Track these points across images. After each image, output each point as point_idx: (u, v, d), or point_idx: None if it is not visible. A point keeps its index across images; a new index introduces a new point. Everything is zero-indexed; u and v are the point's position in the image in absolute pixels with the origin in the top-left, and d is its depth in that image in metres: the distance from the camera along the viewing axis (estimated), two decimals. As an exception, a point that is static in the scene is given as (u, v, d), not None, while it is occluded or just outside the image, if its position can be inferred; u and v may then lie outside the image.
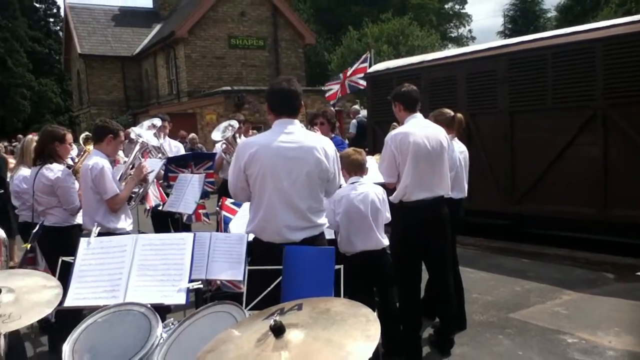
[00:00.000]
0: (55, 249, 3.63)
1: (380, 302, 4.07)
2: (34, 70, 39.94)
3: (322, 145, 3.13)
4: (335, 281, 2.86)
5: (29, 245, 3.78)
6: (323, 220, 3.21)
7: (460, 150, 4.78)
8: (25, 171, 5.04)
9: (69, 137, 4.61)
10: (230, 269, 3.62)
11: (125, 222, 4.33)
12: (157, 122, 6.57)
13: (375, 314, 3.84)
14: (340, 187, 3.61)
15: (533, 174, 7.41)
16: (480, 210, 7.69)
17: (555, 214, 7.15)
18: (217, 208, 4.76)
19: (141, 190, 4.65)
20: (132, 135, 6.03)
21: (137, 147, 5.15)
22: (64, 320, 3.08)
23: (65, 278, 2.73)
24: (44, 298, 2.35)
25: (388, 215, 3.98)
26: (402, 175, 4.07)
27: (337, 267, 2.86)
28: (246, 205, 4.63)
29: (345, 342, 1.63)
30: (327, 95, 14.99)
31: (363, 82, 12.58)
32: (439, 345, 4.28)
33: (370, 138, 10.17)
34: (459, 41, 45.69)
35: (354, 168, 3.95)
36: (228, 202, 4.68)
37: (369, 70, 11.06)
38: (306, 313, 1.83)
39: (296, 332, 1.70)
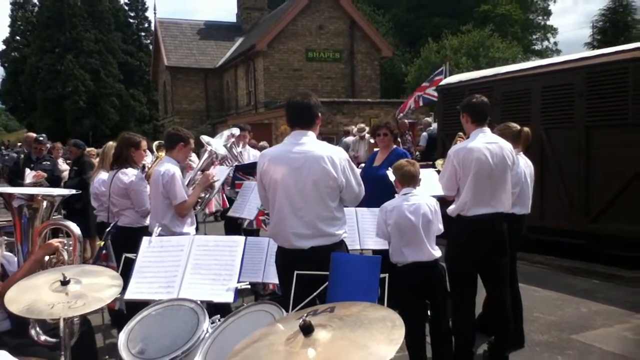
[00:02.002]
0: (125, 247, 3.89)
1: (432, 316, 4.02)
2: (124, 81, 42.49)
3: (329, 154, 3.22)
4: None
5: (102, 243, 4.08)
6: (339, 230, 3.27)
7: (526, 165, 4.67)
8: (103, 175, 5.42)
9: (144, 143, 4.93)
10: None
11: (190, 227, 4.54)
12: (236, 131, 6.89)
13: (426, 328, 3.87)
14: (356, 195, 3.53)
15: (611, 191, 7.06)
16: (551, 228, 7.41)
17: (634, 234, 6.76)
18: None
19: (207, 196, 4.88)
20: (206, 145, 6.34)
21: (206, 155, 5.41)
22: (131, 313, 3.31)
23: (127, 273, 2.95)
24: (106, 293, 2.57)
25: (440, 226, 3.94)
26: (462, 190, 4.05)
27: (382, 275, 2.90)
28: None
29: (369, 343, 1.69)
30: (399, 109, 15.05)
31: (436, 94, 12.48)
32: (494, 362, 4.18)
33: (439, 150, 10.05)
34: (543, 54, 43.98)
35: (406, 179, 3.95)
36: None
37: (442, 83, 10.96)
38: (337, 315, 1.91)
39: (324, 332, 1.78)
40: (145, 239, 3.20)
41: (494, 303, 4.20)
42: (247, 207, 5.27)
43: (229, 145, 6.49)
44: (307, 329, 1.77)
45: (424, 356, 3.84)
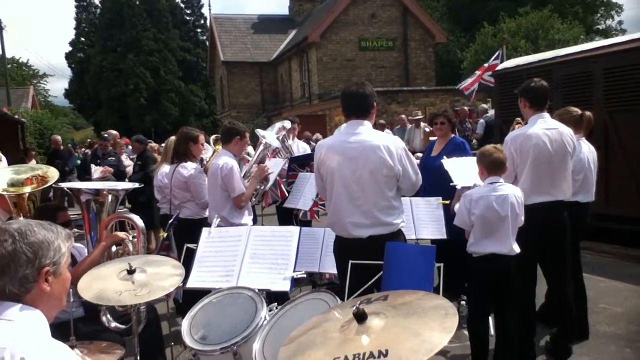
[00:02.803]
0: (187, 238, 4.05)
1: (497, 318, 3.84)
2: (183, 77, 43.70)
3: (386, 143, 3.21)
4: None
5: (165, 234, 4.25)
6: (397, 219, 3.27)
7: (588, 151, 4.51)
8: (166, 168, 5.62)
9: (202, 137, 5.09)
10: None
11: (247, 218, 4.66)
12: (287, 124, 6.98)
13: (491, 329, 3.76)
14: (412, 184, 3.46)
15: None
16: (617, 215, 7.11)
17: None
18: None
19: (262, 188, 4.99)
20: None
21: (261, 147, 5.53)
22: (190, 300, 3.45)
23: (188, 262, 3.08)
24: (168, 282, 2.69)
25: (522, 218, 3.70)
26: (519, 178, 3.96)
27: (437, 265, 2.90)
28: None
29: (422, 331, 1.71)
30: (462, 86, 14.65)
31: (492, 79, 12.16)
32: (556, 354, 4.09)
33: (497, 138, 9.79)
34: (607, 34, 41.85)
35: (494, 167, 3.67)
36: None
37: (498, 67, 10.67)
38: (390, 303, 1.93)
39: (377, 320, 1.81)
40: (205, 230, 3.33)
41: (556, 293, 4.10)
42: (303, 198, 5.35)
43: (280, 137, 6.60)
44: (360, 317, 1.80)
45: (485, 348, 3.78)
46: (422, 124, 12.74)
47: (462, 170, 4.53)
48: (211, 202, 4.73)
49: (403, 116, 14.38)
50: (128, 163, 10.11)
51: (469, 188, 3.94)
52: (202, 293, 3.14)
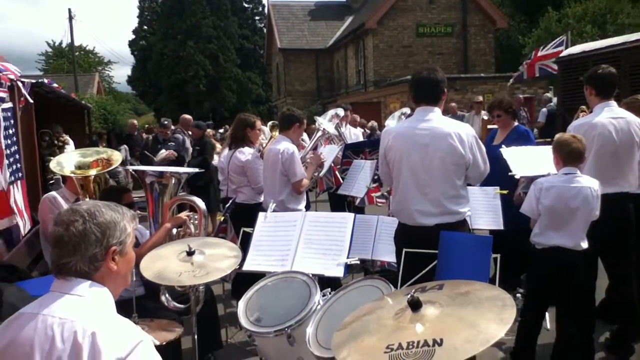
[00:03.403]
0: (242, 222, 4.14)
1: (558, 313, 3.66)
2: (241, 65, 44.30)
3: (457, 131, 3.14)
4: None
5: (222, 217, 4.37)
6: (463, 208, 3.21)
7: (659, 141, 4.28)
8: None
9: (259, 124, 5.17)
10: (394, 251, 3.77)
11: (302, 204, 4.72)
12: (340, 111, 6.99)
13: (547, 318, 3.63)
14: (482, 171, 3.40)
15: None
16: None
17: None
18: (385, 193, 4.95)
19: (317, 174, 5.03)
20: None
21: (318, 134, 5.57)
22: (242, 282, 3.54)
23: (245, 246, 3.15)
24: (225, 264, 2.76)
25: (597, 212, 3.51)
26: (582, 169, 3.82)
27: (494, 256, 2.85)
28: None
29: (479, 321, 1.69)
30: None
31: (555, 66, 11.69)
32: (616, 351, 3.94)
33: (559, 127, 9.45)
34: (685, 17, 39.34)
35: (571, 157, 3.48)
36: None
37: (563, 54, 10.25)
38: (446, 293, 1.92)
39: (432, 308, 1.80)
40: (261, 215, 3.40)
41: (618, 288, 3.94)
42: (356, 185, 5.35)
43: (334, 124, 6.61)
44: (415, 305, 1.80)
45: (532, 342, 3.66)
46: (483, 111, 12.43)
47: (522, 159, 4.41)
48: (267, 188, 4.78)
49: (454, 104, 14.04)
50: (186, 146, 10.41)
51: (530, 178, 3.82)
52: (254, 276, 3.22)
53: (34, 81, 6.44)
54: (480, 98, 13.30)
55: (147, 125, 12.72)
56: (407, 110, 6.41)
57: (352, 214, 3.26)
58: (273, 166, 4.61)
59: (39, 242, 4.87)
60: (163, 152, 8.62)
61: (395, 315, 1.84)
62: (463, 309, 1.78)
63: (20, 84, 5.61)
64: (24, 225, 5.02)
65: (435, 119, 3.20)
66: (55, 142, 10.65)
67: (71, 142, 10.81)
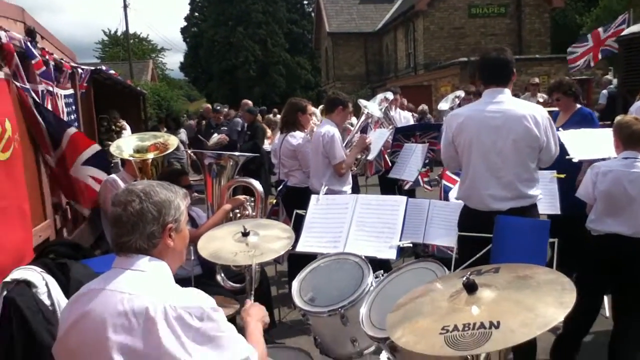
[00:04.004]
0: (294, 205, 4.20)
1: (615, 301, 3.52)
2: (290, 50, 44.45)
3: (531, 112, 3.05)
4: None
5: (274, 200, 4.44)
6: (535, 191, 3.12)
7: None
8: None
9: (310, 108, 5.21)
10: (447, 235, 3.76)
11: (346, 186, 4.75)
12: (390, 95, 6.95)
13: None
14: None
15: None
16: None
17: None
18: (437, 177, 4.90)
19: (363, 158, 5.03)
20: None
21: (363, 117, 5.58)
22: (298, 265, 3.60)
23: (297, 228, 3.20)
24: (278, 245, 2.82)
25: None
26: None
27: (551, 240, 2.79)
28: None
29: (536, 305, 1.67)
30: (569, 57, 13.50)
31: (616, 46, 11.17)
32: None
33: (620, 109, 9.07)
34: None
35: (632, 141, 3.33)
36: (449, 172, 4.77)
37: (624, 33, 9.80)
38: (502, 276, 1.89)
39: (488, 291, 1.78)
40: (313, 197, 3.44)
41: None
42: (408, 169, 5.33)
43: (383, 109, 6.58)
44: (470, 287, 1.79)
45: (580, 334, 3.52)
46: (539, 94, 12.04)
47: (580, 142, 4.27)
48: (313, 170, 4.87)
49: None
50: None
51: (590, 162, 3.69)
52: (309, 259, 3.26)
53: (92, 68, 6.69)
54: (537, 80, 12.83)
55: (201, 110, 12.93)
56: (461, 93, 6.30)
57: (405, 197, 3.25)
58: (316, 149, 4.73)
59: (101, 222, 5.08)
60: (215, 137, 8.80)
61: (450, 298, 1.84)
62: (520, 292, 1.75)
63: (80, 71, 5.84)
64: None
65: (506, 100, 3.13)
66: (113, 127, 11.01)
67: (128, 127, 11.16)
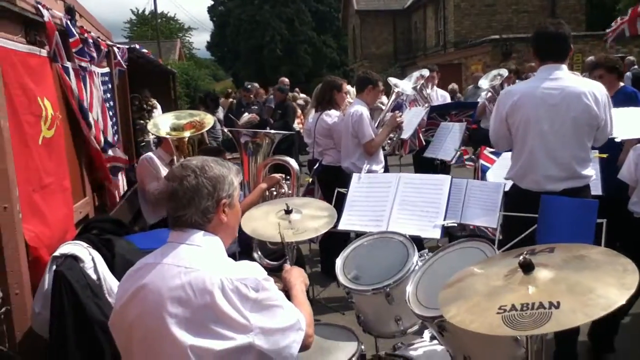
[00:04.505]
0: (330, 184, 4.20)
1: None
2: (316, 28, 44.05)
3: (591, 89, 2.94)
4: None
5: (309, 179, 4.44)
6: (589, 171, 3.05)
7: None
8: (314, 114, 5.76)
9: (345, 86, 5.16)
10: (485, 215, 3.67)
11: (377, 166, 4.71)
12: (426, 72, 6.84)
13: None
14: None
15: None
16: None
17: None
18: (474, 156, 4.82)
19: (396, 136, 4.98)
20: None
21: (394, 96, 5.51)
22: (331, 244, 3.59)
23: (339, 206, 3.19)
24: (319, 223, 2.81)
25: None
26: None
27: (599, 220, 2.72)
28: (506, 155, 4.60)
29: (596, 286, 1.63)
30: (608, 31, 13.05)
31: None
32: None
33: (662, 88, 8.78)
34: None
35: None
36: (487, 151, 4.70)
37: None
38: (558, 256, 1.85)
39: (545, 271, 1.75)
40: (355, 175, 3.41)
41: None
42: (444, 148, 5.26)
43: (418, 87, 6.48)
44: (527, 267, 1.76)
45: (616, 323, 3.45)
46: (572, 72, 11.69)
47: (624, 121, 4.14)
48: (343, 149, 4.87)
49: (533, 64, 13.12)
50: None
51: (632, 142, 3.59)
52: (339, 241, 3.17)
53: (128, 47, 6.72)
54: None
55: (229, 90, 12.96)
56: (504, 71, 6.16)
57: (449, 176, 3.20)
58: (345, 128, 4.75)
59: (138, 200, 5.15)
60: (246, 116, 8.81)
61: (505, 277, 1.81)
62: (579, 273, 1.71)
63: (116, 50, 5.87)
64: (123, 185, 5.31)
65: (565, 77, 3.02)
66: (145, 106, 11.12)
67: (159, 106, 11.24)
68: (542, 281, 1.71)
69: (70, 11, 3.97)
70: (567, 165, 2.98)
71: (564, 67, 3.05)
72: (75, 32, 3.87)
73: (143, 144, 9.35)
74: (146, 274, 1.73)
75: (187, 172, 1.78)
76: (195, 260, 1.71)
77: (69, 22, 3.77)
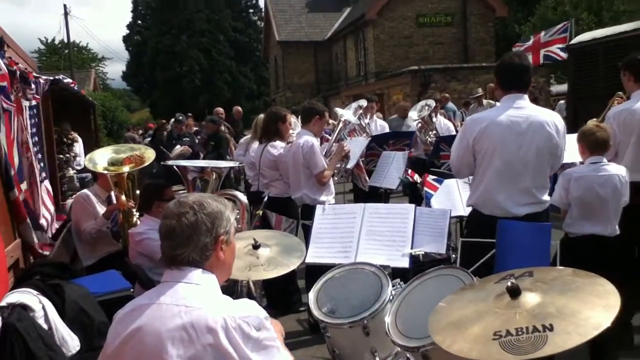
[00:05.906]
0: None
1: None
2: (235, 58, 44.02)
3: (552, 119, 3.13)
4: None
5: (260, 212, 4.37)
6: (546, 197, 3.21)
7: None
8: (256, 145, 5.68)
9: (289, 117, 5.16)
10: (434, 242, 3.77)
11: (328, 196, 4.72)
12: (363, 102, 7.00)
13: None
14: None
15: None
16: None
17: None
18: (419, 185, 4.96)
19: (343, 166, 5.03)
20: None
21: (340, 126, 5.60)
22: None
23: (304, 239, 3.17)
24: (291, 257, 2.76)
25: (626, 199, 3.54)
26: (620, 156, 3.85)
27: (553, 243, 2.87)
28: (447, 183, 4.77)
29: (583, 307, 1.71)
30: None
31: (563, 54, 11.71)
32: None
33: (570, 116, 9.49)
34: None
35: (597, 146, 3.50)
36: (430, 178, 4.84)
37: (573, 41, 10.26)
38: (538, 279, 1.93)
39: (532, 295, 1.82)
40: (319, 207, 3.41)
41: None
42: (388, 177, 5.37)
43: (357, 116, 6.62)
44: (514, 292, 1.82)
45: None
46: (485, 100, 12.38)
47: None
48: (292, 181, 4.82)
49: (447, 95, 13.73)
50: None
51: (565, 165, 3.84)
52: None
53: (52, 78, 6.39)
54: (480, 90, 13.22)
55: (163, 121, 12.56)
56: (431, 102, 6.41)
57: (413, 205, 3.27)
58: (295, 160, 4.68)
59: (73, 240, 4.86)
60: (178, 148, 8.60)
61: (493, 303, 1.86)
62: (564, 296, 1.79)
63: (42, 82, 5.57)
64: (50, 224, 4.97)
65: (528, 106, 3.16)
66: (64, 139, 10.59)
67: (80, 139, 10.75)
68: (531, 305, 1.78)
69: (-1, 42, 3.72)
70: (529, 191, 3.12)
71: (526, 97, 3.22)
72: (2, 65, 3.61)
73: (65, 179, 8.89)
74: (141, 316, 1.66)
75: (185, 209, 1.75)
76: (195, 298, 1.66)
77: (-4, 56, 3.52)
